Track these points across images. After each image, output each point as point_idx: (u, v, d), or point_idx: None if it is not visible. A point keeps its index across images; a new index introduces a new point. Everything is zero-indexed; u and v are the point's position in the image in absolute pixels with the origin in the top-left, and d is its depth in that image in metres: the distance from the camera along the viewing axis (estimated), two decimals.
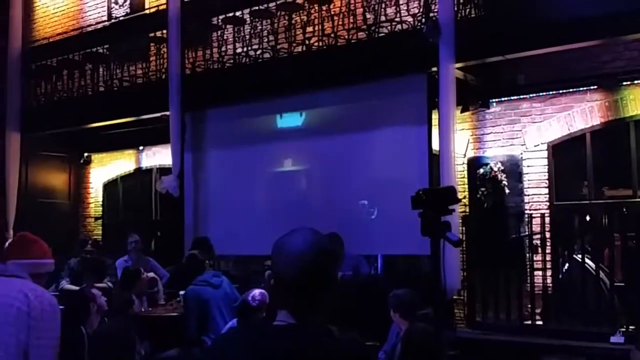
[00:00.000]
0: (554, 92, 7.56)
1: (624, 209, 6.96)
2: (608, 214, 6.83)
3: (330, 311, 1.86)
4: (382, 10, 7.65)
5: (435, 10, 6.96)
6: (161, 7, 9.54)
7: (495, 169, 7.75)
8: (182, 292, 6.44)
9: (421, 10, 7.28)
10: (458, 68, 6.88)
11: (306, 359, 1.76)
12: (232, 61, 8.70)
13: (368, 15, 7.72)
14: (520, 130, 7.77)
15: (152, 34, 9.67)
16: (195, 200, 8.93)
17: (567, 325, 6.45)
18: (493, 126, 7.96)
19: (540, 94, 7.65)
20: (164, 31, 9.08)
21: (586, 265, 6.56)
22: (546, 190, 7.57)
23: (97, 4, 11.71)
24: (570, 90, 7.44)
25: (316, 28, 8.00)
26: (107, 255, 8.51)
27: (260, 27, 8.61)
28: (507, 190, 7.71)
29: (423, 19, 7.15)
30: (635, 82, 7.10)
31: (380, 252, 7.99)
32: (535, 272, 6.95)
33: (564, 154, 7.63)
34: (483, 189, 7.80)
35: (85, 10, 11.88)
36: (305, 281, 1.81)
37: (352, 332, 1.88)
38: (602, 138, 7.40)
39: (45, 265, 3.16)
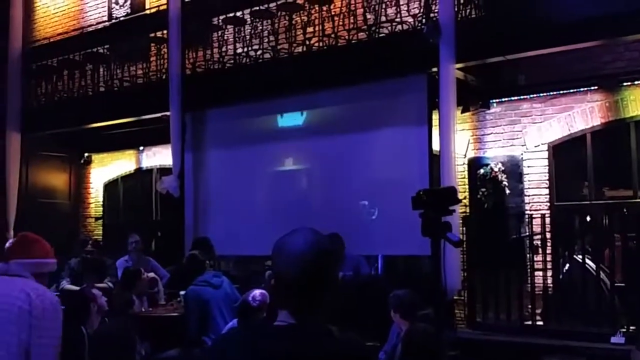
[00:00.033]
0: (555, 92, 7.56)
1: (625, 210, 6.96)
2: (608, 215, 6.83)
3: (330, 311, 1.86)
4: (383, 10, 7.65)
5: (436, 10, 6.96)
6: (162, 8, 9.54)
7: (496, 169, 7.75)
8: (182, 293, 6.44)
9: (421, 10, 7.28)
10: (458, 68, 6.88)
11: (307, 359, 1.76)
12: (232, 61, 8.70)
13: (368, 16, 7.72)
14: (521, 131, 7.77)
15: (152, 34, 9.67)
16: (196, 200, 8.93)
17: (567, 326, 6.45)
18: (493, 127, 7.96)
19: (541, 94, 7.65)
20: (165, 31, 9.09)
21: (587, 265, 6.56)
22: (547, 191, 7.57)
23: (98, 4, 11.72)
24: (571, 90, 7.44)
25: (316, 28, 8.00)
26: (107, 255, 8.50)
27: (260, 28, 8.61)
28: (507, 191, 7.71)
29: (423, 20, 7.14)
30: (636, 82, 7.10)
31: (380, 253, 7.99)
32: (536, 273, 6.95)
33: (564, 154, 7.63)
34: (483, 189, 7.80)
35: (85, 11, 11.88)
36: (305, 281, 1.81)
37: (351, 333, 1.88)
38: (602, 138, 7.40)
39: (47, 265, 3.16)
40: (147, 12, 10.64)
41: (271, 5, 8.43)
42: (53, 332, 2.84)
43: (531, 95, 7.70)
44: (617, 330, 6.08)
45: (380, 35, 7.57)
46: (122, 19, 11.17)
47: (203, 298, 5.85)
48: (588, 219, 7.23)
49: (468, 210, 7.80)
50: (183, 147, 8.79)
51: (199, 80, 8.87)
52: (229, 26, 8.84)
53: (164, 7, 9.19)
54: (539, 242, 6.99)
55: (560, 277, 6.98)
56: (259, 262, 8.51)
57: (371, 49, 7.55)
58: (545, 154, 7.63)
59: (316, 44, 7.97)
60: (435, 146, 6.95)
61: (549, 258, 6.95)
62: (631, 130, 7.17)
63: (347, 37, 7.73)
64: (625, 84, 7.16)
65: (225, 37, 8.87)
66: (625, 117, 7.19)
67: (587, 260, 6.60)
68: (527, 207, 7.59)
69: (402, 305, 5.09)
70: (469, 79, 7.32)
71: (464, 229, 7.13)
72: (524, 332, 6.66)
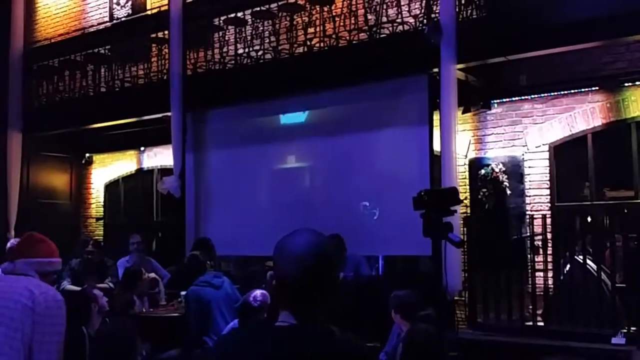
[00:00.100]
0: (556, 93, 7.57)
1: (625, 210, 6.97)
2: (609, 215, 6.84)
3: (331, 312, 1.87)
4: (384, 11, 7.65)
5: (437, 11, 6.97)
6: (163, 8, 9.56)
7: (497, 169, 7.75)
8: (183, 293, 6.44)
9: (423, 11, 7.28)
10: (459, 69, 6.89)
11: (307, 359, 1.76)
12: (233, 62, 8.71)
13: (369, 16, 7.72)
14: (522, 131, 7.77)
15: (153, 35, 9.68)
16: (197, 200, 8.94)
17: (568, 327, 6.45)
18: (494, 127, 7.96)
19: (542, 95, 7.65)
20: (166, 32, 9.10)
21: (587, 266, 6.56)
22: (547, 191, 7.57)
23: (99, 4, 11.72)
24: (572, 91, 7.44)
25: (318, 29, 8.00)
26: (108, 256, 8.51)
27: (261, 28, 8.61)
28: (508, 191, 7.71)
29: (424, 20, 7.14)
30: (637, 83, 7.10)
31: (381, 253, 8.00)
32: (537, 273, 6.95)
33: (565, 155, 7.63)
34: (484, 189, 7.80)
35: (87, 11, 11.89)
36: (306, 282, 1.81)
37: (350, 334, 1.88)
38: (603, 139, 7.40)
39: (52, 264, 3.20)
40: (148, 12, 10.65)
41: (272, 5, 8.43)
42: (56, 328, 2.87)
43: (532, 96, 7.70)
44: (618, 330, 6.08)
45: (381, 35, 7.57)
46: (123, 19, 11.18)
47: (204, 298, 5.85)
48: (589, 219, 7.24)
49: (469, 211, 7.80)
50: (184, 148, 8.79)
51: (200, 80, 8.87)
52: (230, 27, 8.84)
53: (165, 7, 9.20)
54: (539, 243, 6.99)
55: (561, 277, 6.98)
56: (259, 263, 8.51)
57: (372, 49, 7.55)
58: (546, 155, 7.62)
59: (317, 45, 7.97)
60: (436, 146, 6.95)
61: (549, 258, 6.96)
62: (632, 130, 7.17)
63: (348, 37, 7.73)
64: (626, 84, 7.16)
65: (227, 38, 8.87)
66: (626, 117, 7.19)
67: (588, 261, 6.59)
68: (528, 207, 7.59)
69: (403, 305, 5.08)
70: (470, 80, 7.32)
71: (465, 229, 7.13)
72: (524, 332, 6.66)
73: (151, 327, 6.01)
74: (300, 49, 8.16)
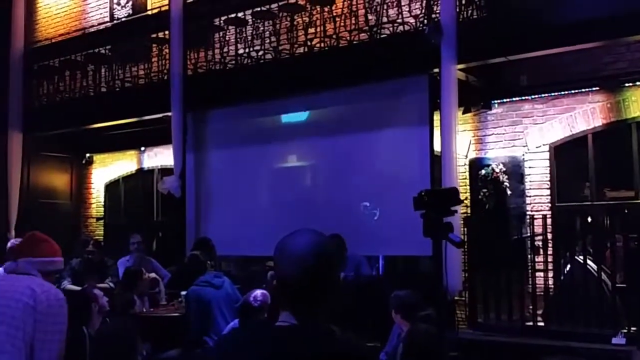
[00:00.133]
0: (556, 93, 7.56)
1: (626, 210, 6.96)
2: (610, 215, 6.84)
3: (332, 312, 1.87)
4: (384, 11, 7.65)
5: (437, 11, 6.97)
6: (163, 8, 9.56)
7: (497, 170, 7.75)
8: (183, 293, 6.44)
9: (423, 11, 7.28)
10: (460, 69, 6.89)
11: None
12: (234, 62, 8.71)
13: (370, 17, 7.72)
14: (522, 132, 7.77)
15: (154, 35, 9.68)
16: (197, 200, 8.94)
17: (568, 327, 6.45)
18: (495, 127, 7.96)
19: (542, 95, 7.65)
20: (166, 32, 9.10)
21: (588, 266, 6.56)
22: (548, 192, 7.57)
23: (100, 5, 11.73)
24: (572, 91, 7.44)
25: (318, 29, 8.00)
26: (108, 255, 8.53)
27: (262, 28, 8.61)
28: (508, 192, 7.70)
29: (425, 21, 7.14)
30: (637, 83, 7.10)
31: (382, 253, 8.00)
32: (537, 274, 6.95)
33: (565, 155, 7.63)
34: (485, 190, 7.80)
35: (87, 11, 11.89)
36: (307, 282, 1.81)
37: (350, 334, 1.88)
38: (604, 139, 7.39)
39: (54, 264, 3.23)
40: (149, 12, 10.65)
41: (273, 6, 8.43)
42: (57, 326, 2.89)
43: (533, 96, 7.70)
44: (619, 331, 6.08)
45: (382, 36, 7.57)
46: (123, 19, 11.19)
47: (204, 298, 5.85)
48: (589, 219, 7.24)
49: (469, 211, 7.80)
50: (184, 148, 8.80)
51: (201, 80, 8.87)
52: (230, 27, 8.84)
53: (166, 7, 9.21)
54: (540, 243, 6.98)
55: (562, 277, 6.98)
56: (259, 263, 8.51)
57: (373, 49, 7.56)
58: (547, 155, 7.62)
59: (318, 45, 7.97)
60: (437, 147, 6.95)
61: (550, 259, 6.95)
62: (633, 131, 7.17)
63: (348, 38, 7.74)
64: (626, 84, 7.16)
65: (227, 38, 8.87)
66: (626, 118, 7.19)
67: (589, 261, 6.60)
68: (528, 207, 7.59)
69: (403, 305, 5.08)
70: (470, 80, 7.32)
71: (465, 229, 7.13)
72: (525, 332, 6.66)
73: (151, 327, 6.01)
74: (301, 49, 8.16)
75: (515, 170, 7.72)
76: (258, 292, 5.07)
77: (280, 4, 8.33)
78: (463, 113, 7.61)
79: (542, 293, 6.86)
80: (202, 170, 9.02)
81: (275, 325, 1.83)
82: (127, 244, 8.19)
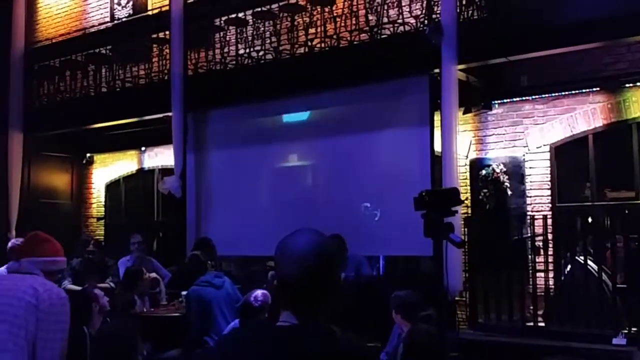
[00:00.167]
0: (557, 93, 7.56)
1: (626, 211, 6.96)
2: (610, 216, 6.84)
3: (332, 312, 1.87)
4: (385, 12, 7.66)
5: (438, 12, 6.97)
6: (164, 9, 9.57)
7: (498, 170, 7.75)
8: (184, 293, 6.45)
9: (424, 12, 7.28)
10: (460, 70, 6.89)
11: None
12: (234, 62, 8.71)
13: (370, 17, 7.72)
14: (523, 132, 7.77)
15: (154, 35, 9.68)
16: (197, 200, 8.95)
17: (569, 327, 6.45)
18: (495, 128, 7.96)
19: (543, 95, 7.65)
20: (167, 32, 9.10)
21: (588, 266, 6.56)
22: (548, 192, 7.57)
23: (100, 5, 11.73)
24: (573, 92, 7.44)
25: (319, 30, 8.00)
26: (109, 255, 8.53)
27: (262, 29, 8.62)
28: (509, 192, 7.70)
29: (425, 21, 7.15)
30: (638, 84, 7.10)
31: (382, 253, 8.00)
32: (538, 274, 6.95)
33: (566, 155, 7.63)
34: (485, 190, 7.80)
35: (88, 12, 11.90)
36: (307, 282, 1.81)
37: (351, 334, 1.88)
38: (604, 140, 7.39)
39: (57, 263, 3.25)
40: (149, 13, 10.66)
41: (273, 6, 8.43)
42: (60, 325, 2.90)
43: (533, 97, 7.70)
44: (619, 331, 6.08)
45: (382, 36, 7.57)
46: (124, 19, 11.19)
47: (205, 298, 5.86)
48: (590, 220, 7.23)
49: (470, 211, 7.80)
50: (185, 148, 8.80)
51: (201, 81, 8.88)
52: (231, 27, 8.85)
53: (166, 8, 9.21)
54: (540, 243, 6.99)
55: (562, 278, 6.98)
56: (260, 263, 8.51)
57: (373, 50, 7.56)
58: (547, 155, 7.62)
59: (318, 45, 7.97)
60: (437, 147, 6.95)
61: (550, 259, 6.96)
62: (633, 131, 7.17)
63: (349, 38, 7.74)
64: (627, 85, 7.16)
65: (227, 38, 8.88)
66: (627, 118, 7.19)
67: (589, 262, 6.60)
68: (528, 208, 7.59)
69: (404, 306, 5.08)
70: (471, 80, 7.32)
71: (466, 229, 7.13)
72: (525, 333, 6.66)
73: (152, 327, 6.01)
74: (301, 50, 8.16)
75: (516, 170, 7.72)
76: (259, 292, 5.08)
77: (281, 4, 8.33)
78: (463, 113, 7.61)
79: (542, 293, 6.86)
80: (202, 171, 9.02)
81: (276, 325, 1.83)
82: (128, 244, 8.19)
